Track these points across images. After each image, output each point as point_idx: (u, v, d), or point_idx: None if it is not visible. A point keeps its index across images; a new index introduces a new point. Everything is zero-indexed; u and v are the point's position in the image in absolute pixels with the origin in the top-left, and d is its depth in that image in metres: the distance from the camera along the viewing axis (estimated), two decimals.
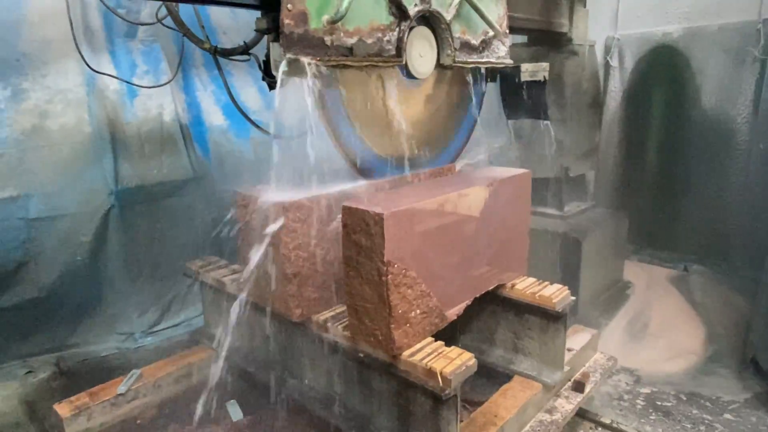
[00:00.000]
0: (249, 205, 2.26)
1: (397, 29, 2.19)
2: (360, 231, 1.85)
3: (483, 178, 2.35)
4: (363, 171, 2.28)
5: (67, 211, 3.19)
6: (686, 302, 3.92)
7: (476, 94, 2.72)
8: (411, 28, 2.26)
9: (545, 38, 3.68)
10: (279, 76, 1.86)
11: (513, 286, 2.46)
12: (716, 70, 4.30)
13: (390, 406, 2.04)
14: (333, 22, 1.92)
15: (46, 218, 3.14)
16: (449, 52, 2.43)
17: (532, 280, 2.53)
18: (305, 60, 1.87)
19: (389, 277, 1.82)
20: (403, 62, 2.26)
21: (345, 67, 2.04)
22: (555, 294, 2.35)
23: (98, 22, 3.31)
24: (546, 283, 2.48)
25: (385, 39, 2.16)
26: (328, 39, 1.94)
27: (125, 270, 3.45)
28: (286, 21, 1.82)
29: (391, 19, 2.16)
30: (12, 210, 3.03)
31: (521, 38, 3.94)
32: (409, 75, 2.38)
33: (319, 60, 1.92)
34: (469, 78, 2.66)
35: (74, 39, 2.54)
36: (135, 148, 3.43)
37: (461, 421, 2.01)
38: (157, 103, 3.51)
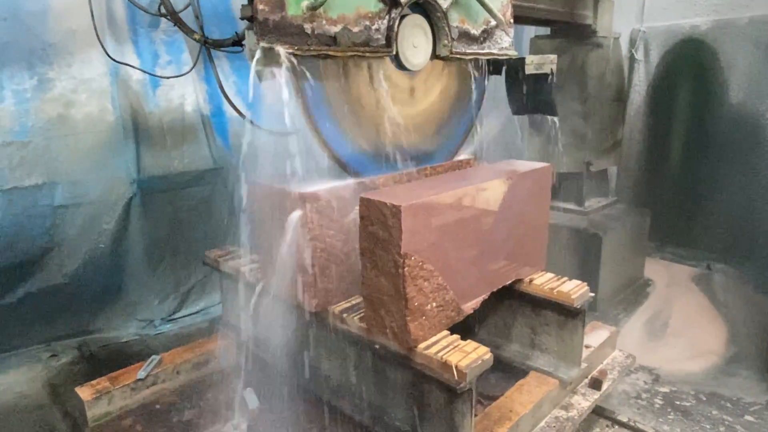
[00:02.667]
0: (267, 196, 2.27)
1: (387, 17, 2.02)
2: (377, 223, 1.85)
3: (502, 171, 2.33)
4: (349, 168, 2.17)
5: (91, 198, 3.26)
6: (708, 301, 3.84)
7: (477, 87, 2.58)
8: (403, 16, 2.11)
9: (569, 30, 3.63)
10: (252, 66, 1.76)
11: (531, 281, 2.44)
12: (745, 64, 4.18)
13: (405, 398, 2.05)
14: (313, 8, 1.79)
15: (71, 206, 3.21)
16: (446, 42, 2.28)
17: (550, 275, 2.50)
18: (280, 49, 1.74)
19: (406, 269, 1.82)
20: (394, 53, 2.11)
21: (327, 57, 1.91)
22: (574, 290, 2.32)
23: (122, 12, 3.36)
24: (565, 278, 2.45)
25: (374, 27, 2.00)
26: (308, 27, 1.81)
27: (146, 258, 3.51)
28: (260, 6, 1.71)
29: (380, 6, 2.00)
30: (38, 197, 3.10)
31: (544, 30, 3.88)
32: (402, 66, 2.23)
33: (297, 49, 1.78)
34: (469, 70, 2.51)
35: (95, 29, 2.56)
36: (157, 138, 3.48)
37: (476, 415, 2.00)
38: (179, 94, 3.55)
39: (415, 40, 2.22)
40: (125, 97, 3.35)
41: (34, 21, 3.05)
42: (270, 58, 1.76)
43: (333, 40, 1.89)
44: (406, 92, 2.34)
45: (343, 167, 2.17)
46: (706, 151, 4.47)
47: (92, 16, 2.52)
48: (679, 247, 4.67)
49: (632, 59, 4.73)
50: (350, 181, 2.20)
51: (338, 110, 2.08)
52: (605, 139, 3.91)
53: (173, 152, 3.55)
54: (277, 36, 1.75)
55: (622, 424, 2.59)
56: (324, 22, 1.86)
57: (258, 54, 1.75)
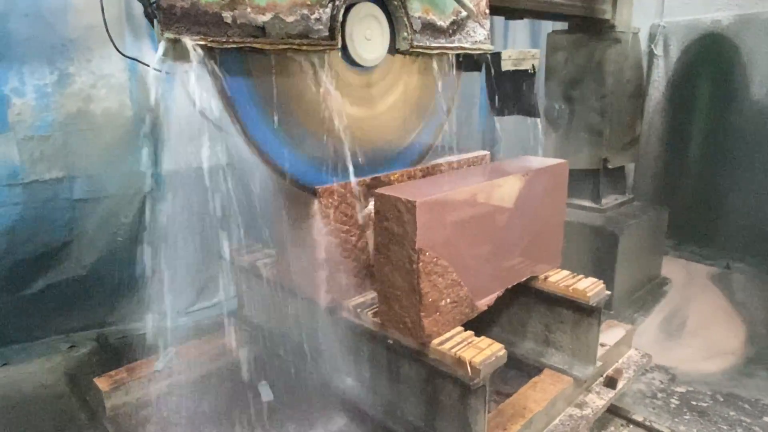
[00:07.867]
0: (283, 190, 2.28)
1: (331, 5, 1.78)
2: (392, 218, 1.85)
3: (518, 167, 2.31)
4: (288, 176, 1.97)
5: (109, 192, 3.30)
6: (727, 301, 3.79)
7: (446, 85, 2.33)
8: (352, 5, 1.88)
9: (587, 25, 3.58)
10: (156, 59, 1.52)
11: (546, 278, 2.43)
12: None
13: (418, 394, 2.05)
14: None
15: (90, 199, 3.25)
16: (405, 34, 2.05)
17: (566, 272, 2.48)
18: (187, 41, 1.51)
19: (420, 264, 1.82)
20: (338, 46, 1.87)
21: (254, 51, 1.67)
22: (589, 287, 2.30)
23: (140, 8, 3.38)
24: (580, 276, 2.43)
25: (313, 17, 1.75)
26: (227, 15, 1.58)
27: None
28: None
29: None
30: (58, 191, 3.15)
31: (562, 25, 3.84)
32: (354, 62, 2.01)
33: (211, 41, 1.55)
34: (436, 66, 2.27)
35: (105, 24, 2.59)
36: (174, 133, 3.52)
37: (489, 411, 2.00)
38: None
39: (368, 32, 1.98)
40: (143, 92, 3.38)
41: (54, 17, 3.08)
42: (179, 51, 1.54)
43: (261, 30, 1.65)
44: (360, 91, 2.10)
45: (282, 175, 1.99)
46: (726, 148, 4.39)
47: (102, 11, 2.54)
48: (697, 245, 4.61)
49: (651, 55, 4.66)
50: (366, 177, 2.20)
51: (274, 111, 1.87)
52: (623, 135, 3.87)
53: (190, 147, 3.58)
54: (187, 26, 1.52)
55: (637, 424, 2.56)
56: (249, 10, 1.62)
57: (161, 47, 1.50)
